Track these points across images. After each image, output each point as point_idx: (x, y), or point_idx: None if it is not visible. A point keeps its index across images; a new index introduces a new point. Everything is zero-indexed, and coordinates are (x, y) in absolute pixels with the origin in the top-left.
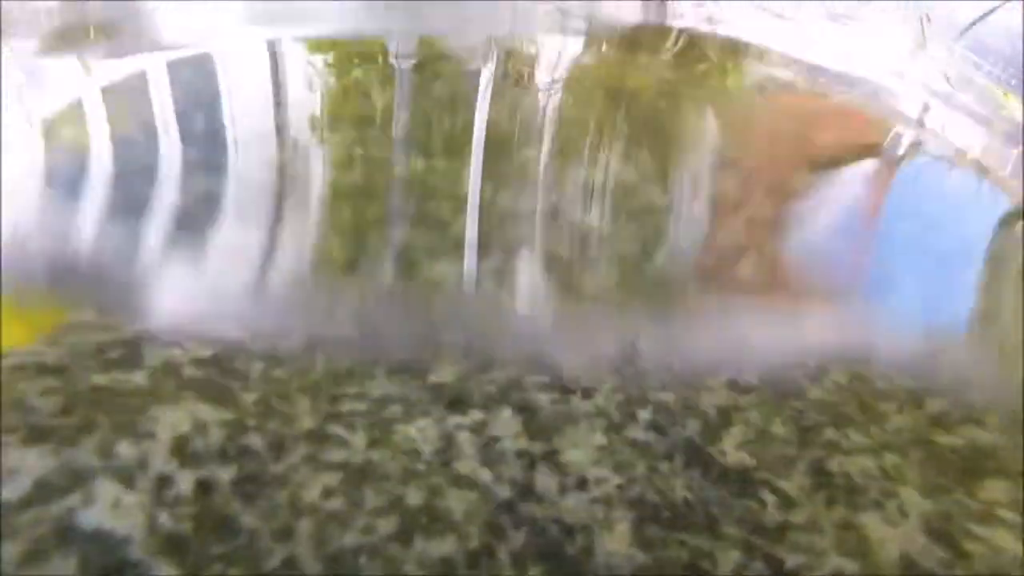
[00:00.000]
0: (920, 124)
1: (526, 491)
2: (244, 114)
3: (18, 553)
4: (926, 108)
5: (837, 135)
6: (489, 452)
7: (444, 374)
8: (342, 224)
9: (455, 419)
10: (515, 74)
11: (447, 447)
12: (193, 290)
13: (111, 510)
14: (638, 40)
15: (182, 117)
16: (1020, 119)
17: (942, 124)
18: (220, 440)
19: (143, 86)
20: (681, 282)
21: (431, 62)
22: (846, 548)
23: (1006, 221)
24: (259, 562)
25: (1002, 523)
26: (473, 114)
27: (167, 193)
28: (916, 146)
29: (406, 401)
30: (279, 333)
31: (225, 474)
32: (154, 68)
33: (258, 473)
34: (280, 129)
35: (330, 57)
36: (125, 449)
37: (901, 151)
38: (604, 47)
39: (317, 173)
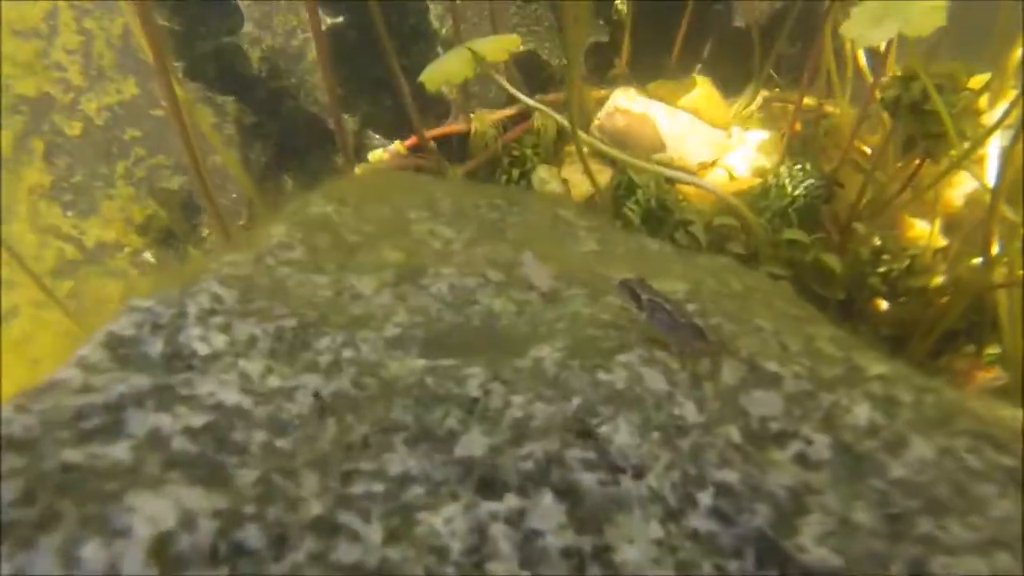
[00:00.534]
0: None
1: None
2: None
3: None
4: None
5: None
6: (530, 549)
7: (473, 445)
8: None
9: (488, 506)
10: None
11: (479, 543)
12: None
13: None
14: None
15: None
16: None
17: None
18: (211, 536)
19: None
20: None
21: None
22: None
23: None
24: None
25: None
26: None
27: None
28: None
29: (429, 480)
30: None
31: None
32: None
33: None
34: None
35: None
36: (92, 552)
37: None
38: None
39: None
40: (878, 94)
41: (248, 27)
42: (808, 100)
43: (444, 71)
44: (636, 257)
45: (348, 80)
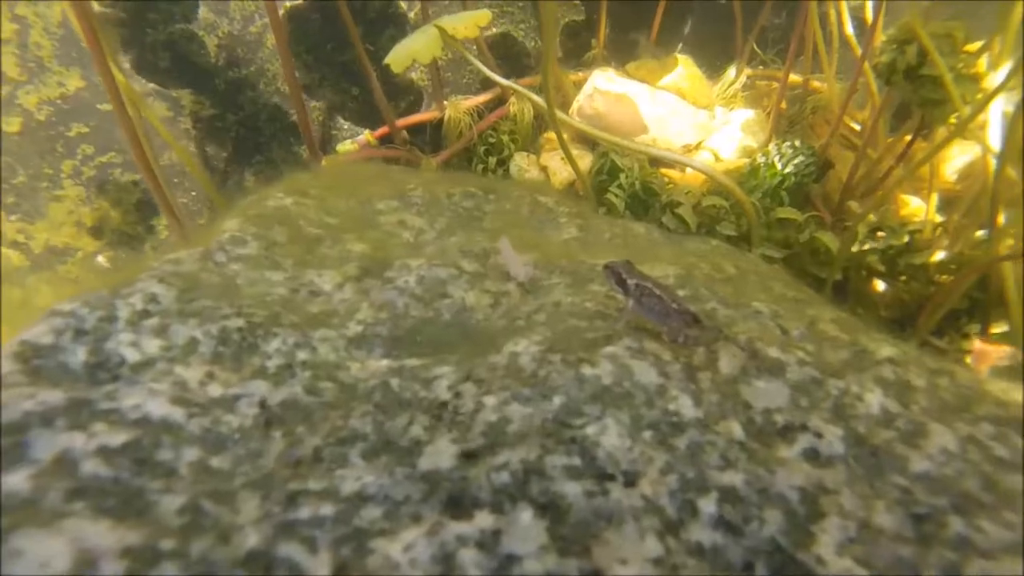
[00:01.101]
0: None
1: None
2: None
3: None
4: None
5: None
6: None
7: (440, 456)
8: None
9: (456, 528)
10: None
11: (446, 574)
12: None
13: None
14: None
15: None
16: None
17: None
18: None
19: None
20: None
21: None
22: None
23: None
24: None
25: None
26: None
27: None
28: None
29: (388, 500)
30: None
31: None
32: None
33: None
34: None
35: None
36: None
37: None
38: None
39: None
40: (870, 62)
41: (203, 13)
42: (794, 76)
43: (410, 51)
44: (622, 242)
45: (312, 68)
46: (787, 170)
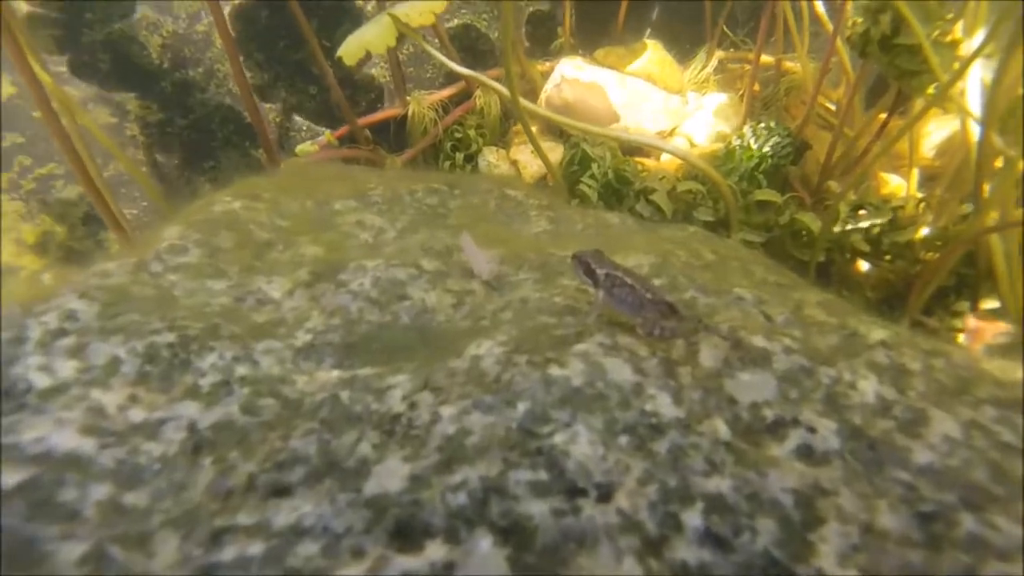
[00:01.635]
0: None
1: None
2: None
3: None
4: None
5: None
6: None
7: (389, 477)
8: None
9: (403, 563)
10: None
11: None
12: None
13: None
14: None
15: None
16: None
17: None
18: None
19: None
20: None
21: None
22: None
23: None
24: None
25: None
26: None
27: None
28: None
29: (327, 532)
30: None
31: None
32: None
33: None
34: None
35: None
36: None
37: None
38: None
39: None
40: (843, 37)
41: (143, 11)
42: (765, 58)
43: (363, 42)
44: (595, 233)
45: (264, 67)
46: (764, 151)
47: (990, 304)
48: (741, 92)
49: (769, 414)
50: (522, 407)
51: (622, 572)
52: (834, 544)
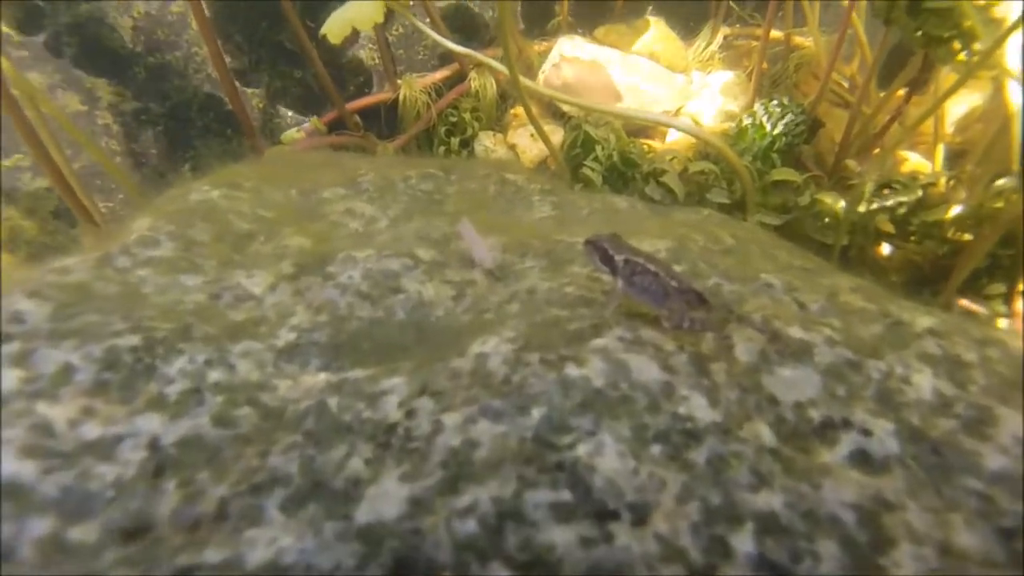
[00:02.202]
0: None
1: None
2: None
3: None
4: None
5: None
6: None
7: (385, 501)
8: None
9: None
10: None
11: None
12: None
13: None
14: None
15: None
16: None
17: None
18: None
19: None
20: None
21: None
22: None
23: None
24: None
25: None
26: None
27: None
28: None
29: (311, 571)
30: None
31: None
32: None
33: None
34: None
35: None
36: None
37: None
38: None
39: None
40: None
41: None
42: (774, 33)
43: (349, 18)
44: (602, 218)
45: (245, 49)
46: (777, 130)
47: None
48: (749, 69)
49: (816, 415)
50: (537, 413)
51: None
52: (909, 569)
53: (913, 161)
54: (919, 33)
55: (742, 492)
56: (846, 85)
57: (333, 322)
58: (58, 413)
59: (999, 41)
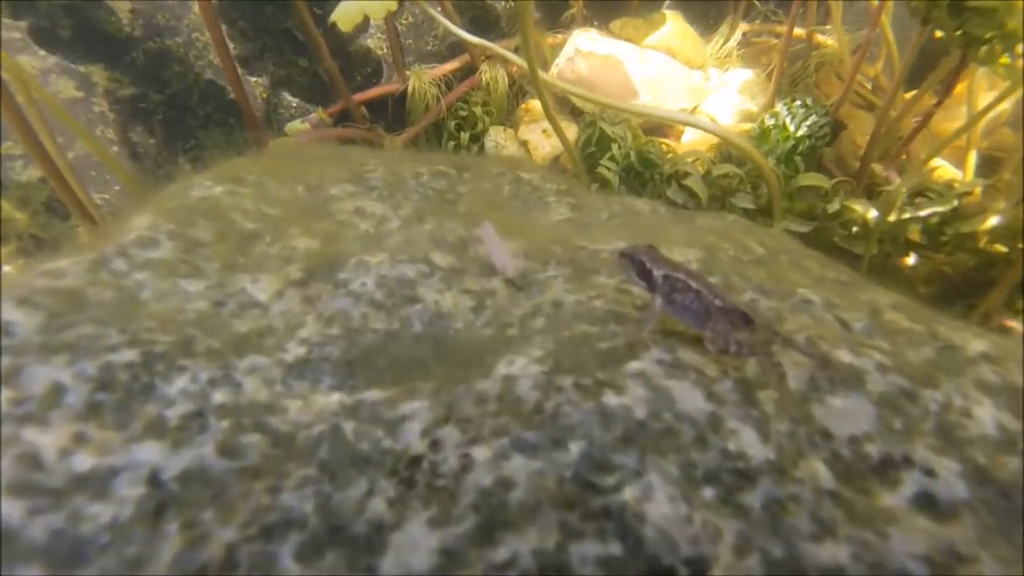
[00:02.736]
0: None
1: None
2: None
3: None
4: None
5: None
6: None
7: (412, 551)
8: None
9: None
10: None
11: None
12: None
13: None
14: None
15: None
16: None
17: None
18: None
19: None
20: None
21: None
22: None
23: None
24: None
25: None
26: None
27: None
28: None
29: None
30: None
31: None
32: None
33: None
34: None
35: None
36: None
37: None
38: None
39: None
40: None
41: None
42: (796, 31)
43: (361, 6)
44: (623, 222)
45: (250, 36)
46: (800, 132)
47: None
48: (769, 68)
49: (873, 451)
50: (576, 448)
51: None
52: None
53: (940, 167)
54: (959, 33)
55: (805, 543)
56: (869, 86)
57: (346, 335)
58: (48, 441)
59: None
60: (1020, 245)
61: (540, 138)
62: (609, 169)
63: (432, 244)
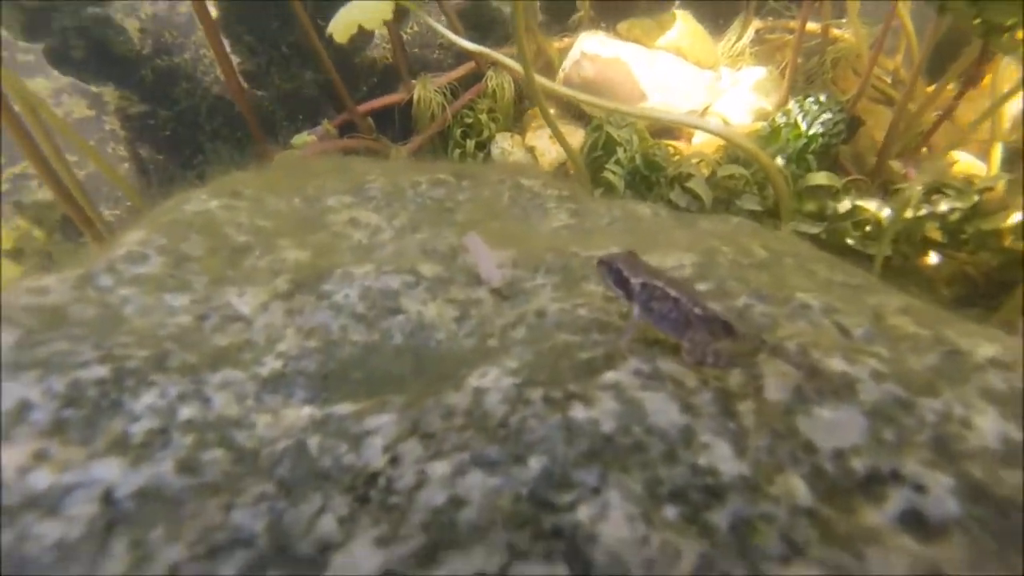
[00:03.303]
0: None
1: None
2: None
3: None
4: None
5: None
6: None
7: (350, 571)
8: None
9: None
10: None
11: None
12: None
13: None
14: None
15: None
16: None
17: None
18: None
19: None
20: None
21: None
22: None
23: None
24: None
25: None
26: None
27: None
28: None
29: None
30: None
31: None
32: None
33: None
34: None
35: None
36: None
37: None
38: None
39: None
40: None
41: None
42: (809, 25)
43: (356, 16)
44: (624, 227)
45: (256, 51)
46: (813, 130)
47: None
48: (783, 65)
49: (860, 465)
50: (536, 465)
51: None
52: None
53: (964, 162)
54: (978, 21)
55: (771, 564)
56: (888, 80)
57: (324, 348)
58: (9, 458)
59: None
60: None
61: (547, 144)
62: (614, 173)
63: (422, 254)
